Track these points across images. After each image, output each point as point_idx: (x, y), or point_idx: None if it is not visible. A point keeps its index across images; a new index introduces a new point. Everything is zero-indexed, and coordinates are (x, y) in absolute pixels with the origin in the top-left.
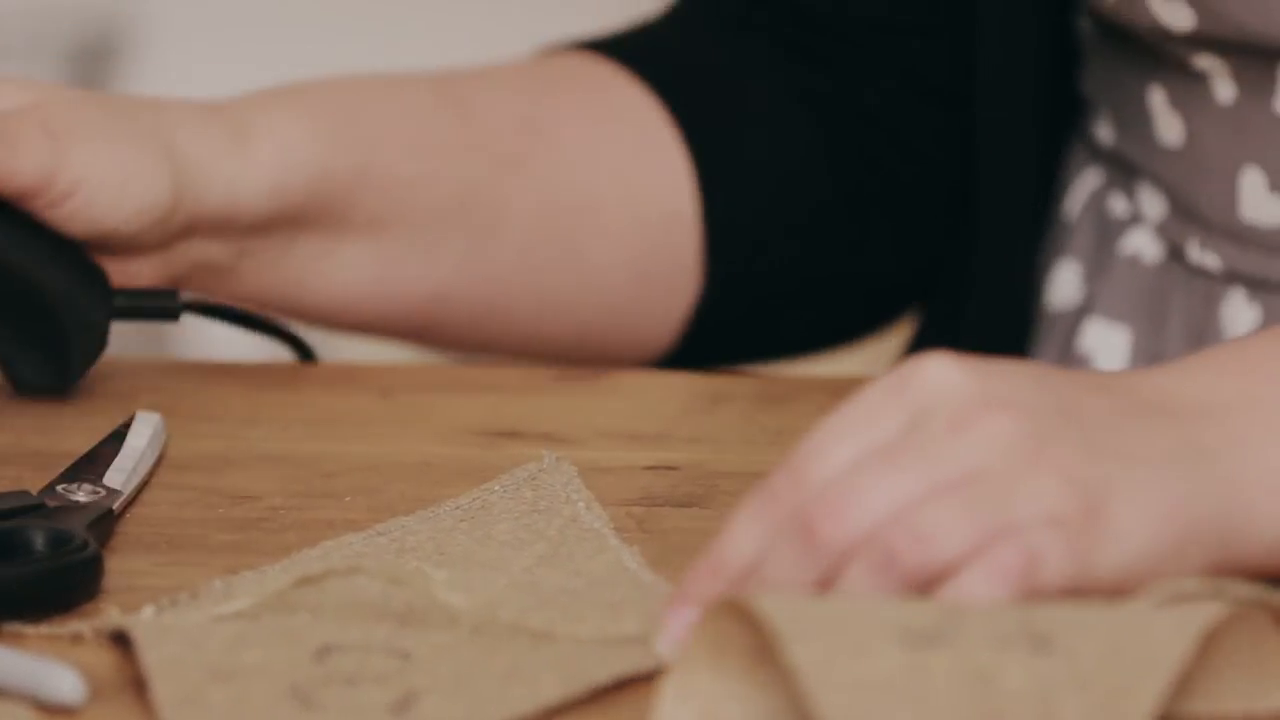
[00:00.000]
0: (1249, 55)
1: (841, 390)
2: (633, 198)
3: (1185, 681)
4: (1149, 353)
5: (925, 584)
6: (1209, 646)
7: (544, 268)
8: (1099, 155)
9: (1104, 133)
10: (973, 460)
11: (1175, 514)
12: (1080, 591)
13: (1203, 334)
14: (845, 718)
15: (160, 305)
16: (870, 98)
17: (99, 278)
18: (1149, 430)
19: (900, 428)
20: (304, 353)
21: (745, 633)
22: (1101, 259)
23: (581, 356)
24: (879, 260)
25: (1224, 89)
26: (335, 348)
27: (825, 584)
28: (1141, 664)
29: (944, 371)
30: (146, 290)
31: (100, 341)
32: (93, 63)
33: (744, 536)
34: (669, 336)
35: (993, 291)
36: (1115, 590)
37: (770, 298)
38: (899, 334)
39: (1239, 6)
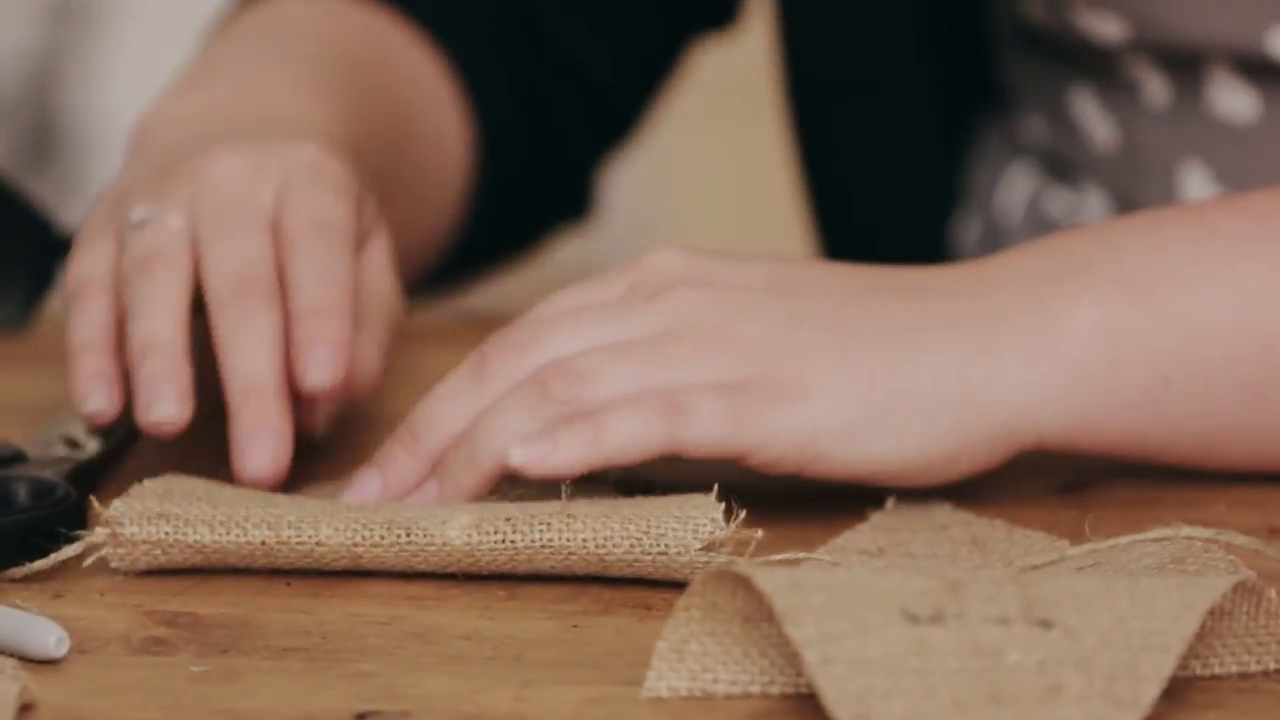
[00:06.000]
0: (1177, 59)
1: None
2: (442, 164)
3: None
4: None
5: (579, 417)
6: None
7: (405, 229)
8: (1030, 151)
9: (1037, 131)
10: (657, 326)
11: (880, 380)
12: (763, 461)
13: None
14: (849, 693)
15: None
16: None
17: (45, 223)
18: (881, 304)
19: (615, 298)
20: None
21: (739, 597)
22: None
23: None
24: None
25: (1156, 93)
26: None
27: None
28: (1145, 646)
29: (668, 254)
30: None
31: (52, 281)
32: (66, 22)
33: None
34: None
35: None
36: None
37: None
38: None
39: (1171, 15)
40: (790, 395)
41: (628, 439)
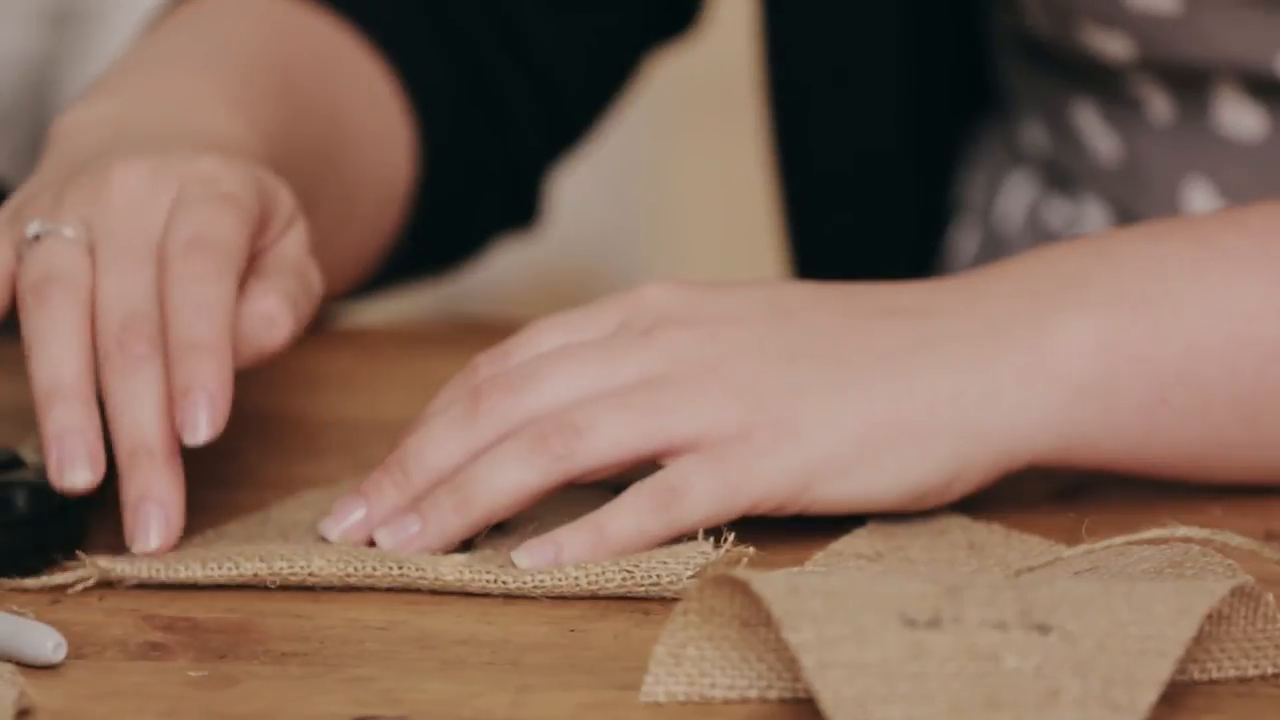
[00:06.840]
0: (1184, 78)
1: None
2: (379, 168)
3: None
4: None
5: (576, 476)
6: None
7: (336, 234)
8: (1031, 160)
9: (1038, 139)
10: (651, 367)
11: (875, 414)
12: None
13: None
14: (846, 698)
15: None
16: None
17: None
18: (876, 330)
19: (607, 332)
20: None
21: (736, 602)
22: None
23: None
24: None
25: (1160, 110)
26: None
27: (474, 455)
28: (1142, 650)
29: (660, 288)
30: None
31: None
32: (64, 26)
33: (442, 402)
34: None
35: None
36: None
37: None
38: None
39: (1181, 35)
40: (784, 438)
41: (629, 534)
